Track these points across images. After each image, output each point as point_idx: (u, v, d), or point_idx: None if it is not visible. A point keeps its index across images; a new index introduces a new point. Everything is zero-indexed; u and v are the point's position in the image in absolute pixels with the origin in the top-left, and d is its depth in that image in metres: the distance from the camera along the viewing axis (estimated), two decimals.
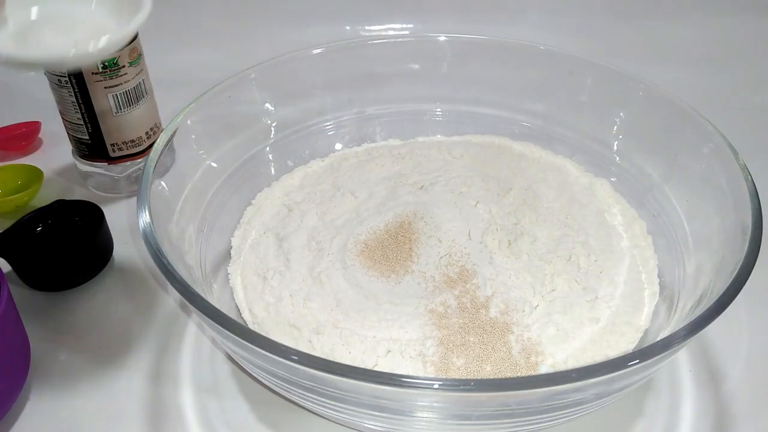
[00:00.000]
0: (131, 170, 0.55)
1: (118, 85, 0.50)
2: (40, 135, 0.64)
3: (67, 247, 0.48)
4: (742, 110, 0.67)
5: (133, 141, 0.54)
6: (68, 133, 0.54)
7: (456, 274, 0.44)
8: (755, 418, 0.38)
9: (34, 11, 0.39)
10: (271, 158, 0.54)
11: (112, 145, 0.53)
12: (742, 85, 0.72)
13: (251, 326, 0.42)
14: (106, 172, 0.55)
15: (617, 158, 0.52)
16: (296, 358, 0.29)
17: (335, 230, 0.48)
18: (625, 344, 0.40)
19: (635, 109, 0.51)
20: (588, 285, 0.43)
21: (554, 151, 0.56)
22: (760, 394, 0.40)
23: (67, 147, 0.56)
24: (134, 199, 0.54)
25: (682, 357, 0.42)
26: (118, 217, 0.54)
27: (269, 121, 0.54)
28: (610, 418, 0.38)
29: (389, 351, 0.39)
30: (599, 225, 0.48)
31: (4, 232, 0.47)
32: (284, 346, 0.29)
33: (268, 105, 0.54)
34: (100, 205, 0.50)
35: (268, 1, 0.82)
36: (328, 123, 0.57)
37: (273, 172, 0.54)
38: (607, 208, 0.50)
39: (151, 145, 0.50)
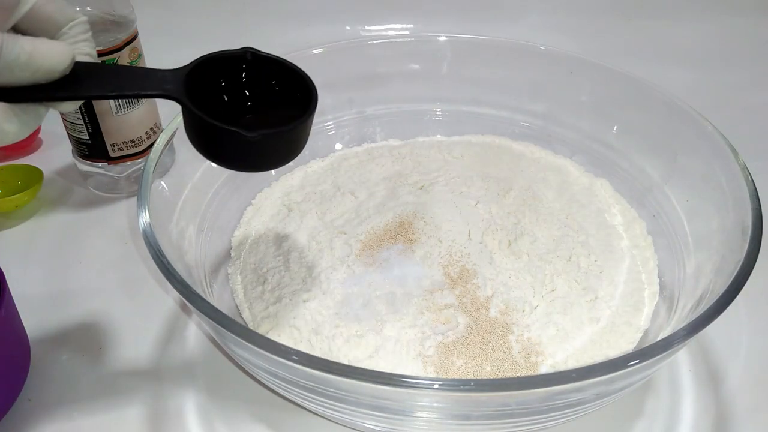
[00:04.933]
0: (131, 170, 0.55)
1: None
2: (40, 135, 0.64)
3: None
4: (742, 110, 0.67)
5: (133, 141, 0.54)
6: (68, 133, 0.54)
7: (456, 274, 0.44)
8: (755, 418, 0.38)
9: None
10: None
11: (112, 145, 0.53)
12: (742, 85, 0.72)
13: (251, 326, 0.42)
14: (106, 172, 0.55)
15: (617, 158, 0.52)
16: (296, 358, 0.29)
17: (335, 230, 0.47)
18: (625, 344, 0.40)
19: (635, 109, 0.51)
20: (588, 285, 0.43)
21: (554, 151, 0.56)
22: (760, 394, 0.40)
23: (67, 147, 0.56)
24: (134, 199, 0.54)
25: (682, 357, 0.42)
26: (118, 217, 0.54)
27: None
28: (610, 418, 0.38)
29: (389, 351, 0.39)
30: (599, 225, 0.48)
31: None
32: (284, 346, 0.29)
33: None
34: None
35: (268, 1, 0.82)
36: (328, 123, 0.57)
37: (273, 172, 0.54)
38: (607, 208, 0.50)
39: (151, 145, 0.50)
